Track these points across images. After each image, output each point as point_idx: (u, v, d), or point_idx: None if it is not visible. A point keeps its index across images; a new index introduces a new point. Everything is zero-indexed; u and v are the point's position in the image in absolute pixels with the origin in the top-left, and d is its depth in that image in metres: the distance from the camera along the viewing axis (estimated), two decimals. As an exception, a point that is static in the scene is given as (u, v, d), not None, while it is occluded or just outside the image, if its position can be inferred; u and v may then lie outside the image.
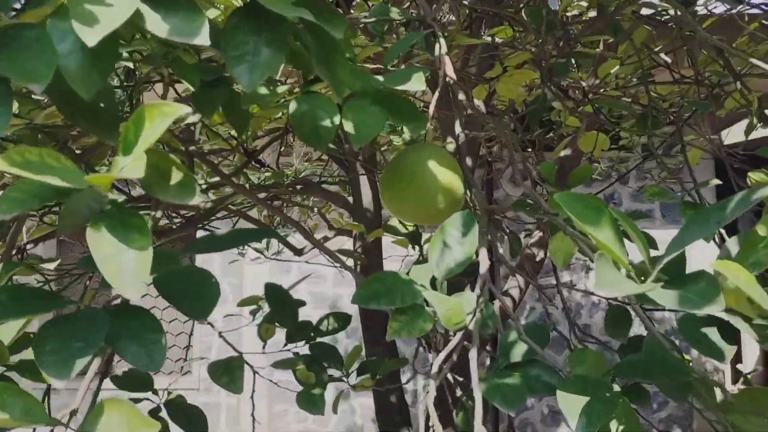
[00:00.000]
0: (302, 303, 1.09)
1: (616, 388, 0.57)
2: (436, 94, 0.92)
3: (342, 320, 1.12)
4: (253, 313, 1.28)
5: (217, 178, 1.74)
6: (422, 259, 1.17)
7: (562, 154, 1.99)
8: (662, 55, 1.37)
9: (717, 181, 0.81)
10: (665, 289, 0.48)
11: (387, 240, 1.59)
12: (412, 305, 0.71)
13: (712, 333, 0.63)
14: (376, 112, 0.71)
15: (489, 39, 1.49)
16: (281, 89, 0.72)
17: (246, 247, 2.73)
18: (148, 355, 0.56)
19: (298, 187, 1.83)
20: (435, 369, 0.71)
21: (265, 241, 2.60)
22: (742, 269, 0.41)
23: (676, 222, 5.03)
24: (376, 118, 0.70)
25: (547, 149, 3.30)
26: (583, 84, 1.34)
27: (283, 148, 2.50)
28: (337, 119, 0.70)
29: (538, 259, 2.01)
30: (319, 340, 1.08)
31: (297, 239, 4.64)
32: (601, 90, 1.55)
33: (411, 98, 2.20)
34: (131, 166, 0.46)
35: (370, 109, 0.71)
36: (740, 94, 1.42)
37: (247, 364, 1.05)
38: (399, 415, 1.79)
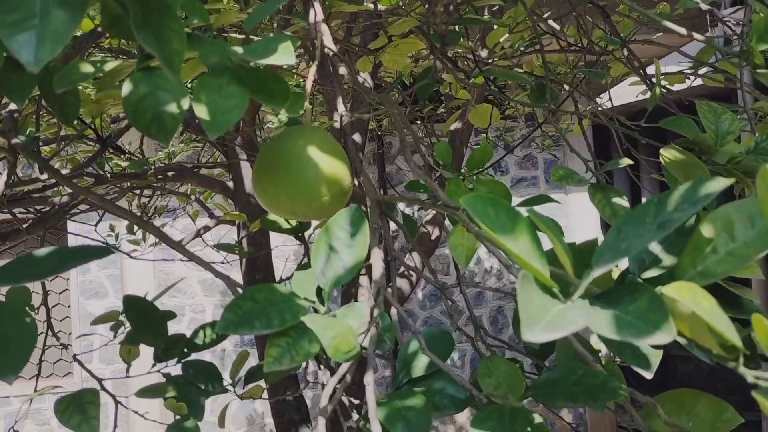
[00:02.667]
0: (171, 315, 0.94)
1: (538, 419, 0.48)
2: (313, 67, 0.80)
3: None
4: (114, 329, 1.11)
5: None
6: (308, 261, 1.05)
7: (452, 127, 1.93)
8: (550, 22, 1.32)
9: (628, 161, 0.75)
10: (594, 307, 0.39)
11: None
12: (293, 326, 0.59)
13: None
14: (236, 92, 0.57)
15: (371, 6, 1.37)
16: (110, 66, 0.56)
17: (119, 240, 2.47)
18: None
19: (170, 173, 1.64)
20: (325, 397, 0.60)
21: (140, 233, 2.36)
22: (704, 294, 0.33)
23: (559, 187, 5.25)
24: (235, 100, 0.57)
25: (438, 122, 3.25)
26: (479, 53, 1.26)
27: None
28: (185, 103, 0.55)
29: (433, 237, 1.95)
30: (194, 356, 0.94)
31: (182, 224, 4.34)
32: (490, 60, 1.48)
33: (292, 73, 2.04)
34: None
35: (227, 90, 0.57)
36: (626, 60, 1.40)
37: (107, 392, 0.89)
38: (297, 413, 1.67)
